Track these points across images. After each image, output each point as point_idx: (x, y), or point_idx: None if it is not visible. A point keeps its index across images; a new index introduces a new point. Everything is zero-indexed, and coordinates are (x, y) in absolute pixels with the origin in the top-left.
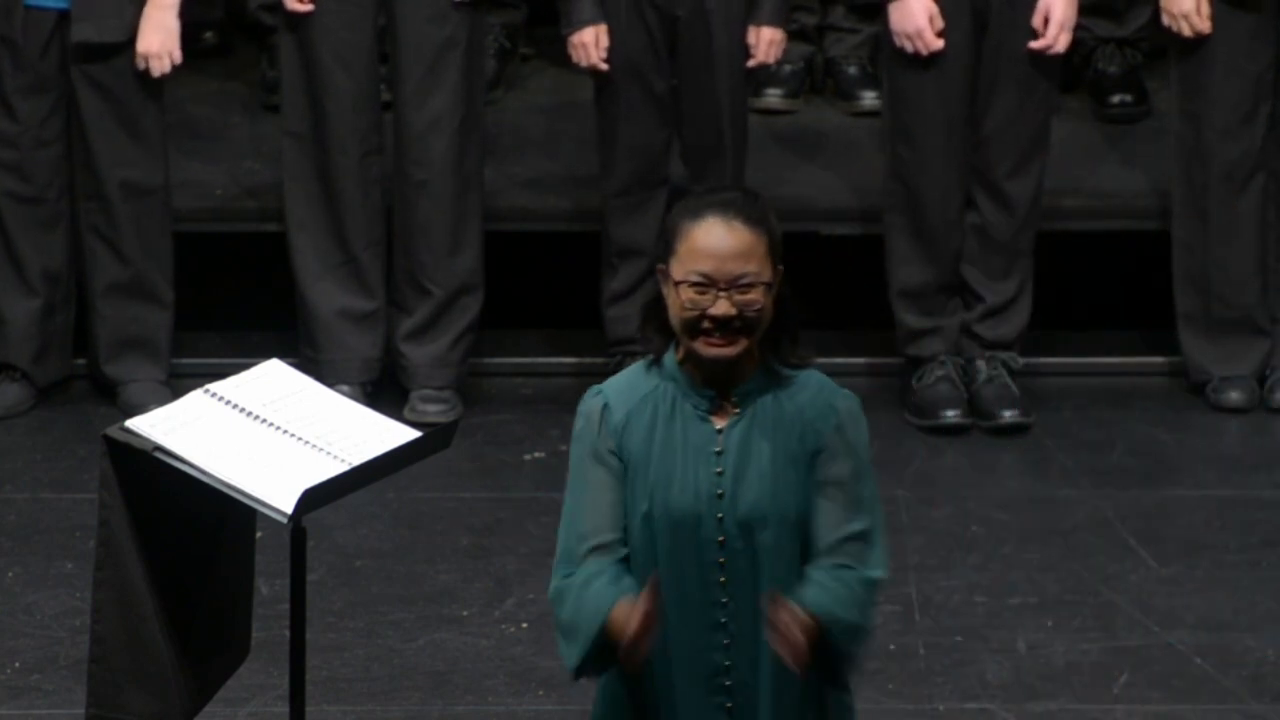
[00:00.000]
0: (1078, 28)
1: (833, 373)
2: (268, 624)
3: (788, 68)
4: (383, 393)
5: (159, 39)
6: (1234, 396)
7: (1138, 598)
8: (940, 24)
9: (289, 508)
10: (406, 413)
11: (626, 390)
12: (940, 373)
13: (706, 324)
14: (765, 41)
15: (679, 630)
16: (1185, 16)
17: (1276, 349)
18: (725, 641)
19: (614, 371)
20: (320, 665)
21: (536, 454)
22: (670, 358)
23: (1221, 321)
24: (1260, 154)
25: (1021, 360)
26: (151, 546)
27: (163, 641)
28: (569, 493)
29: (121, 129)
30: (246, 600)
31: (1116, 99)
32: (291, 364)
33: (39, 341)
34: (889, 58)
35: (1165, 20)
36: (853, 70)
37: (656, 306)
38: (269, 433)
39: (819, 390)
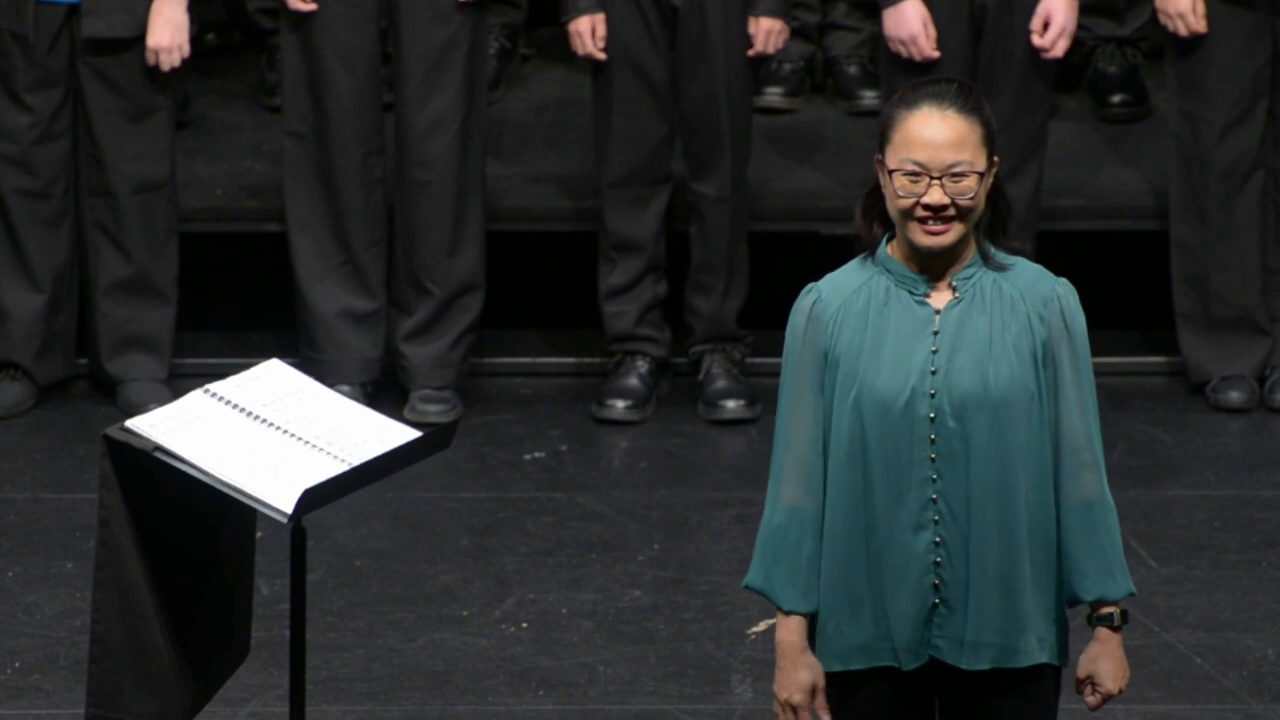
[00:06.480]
0: (1078, 27)
1: None
2: (268, 624)
3: (788, 66)
4: (383, 393)
5: (169, 33)
6: (1234, 396)
7: (1138, 598)
8: (934, 31)
9: (289, 508)
10: (406, 413)
11: (841, 283)
12: None
13: (921, 211)
14: (764, 32)
15: (889, 508)
16: (1181, 16)
17: (1276, 349)
18: (935, 518)
19: (614, 371)
20: (320, 665)
21: (536, 454)
22: (883, 249)
23: (1221, 321)
24: (1259, 152)
25: None
26: (151, 546)
27: (163, 641)
28: (783, 399)
29: (129, 124)
30: (246, 600)
31: (1116, 99)
32: (291, 364)
33: (42, 339)
34: (886, 62)
35: (1161, 19)
36: (853, 69)
37: (874, 197)
38: (269, 433)
39: (1037, 276)
